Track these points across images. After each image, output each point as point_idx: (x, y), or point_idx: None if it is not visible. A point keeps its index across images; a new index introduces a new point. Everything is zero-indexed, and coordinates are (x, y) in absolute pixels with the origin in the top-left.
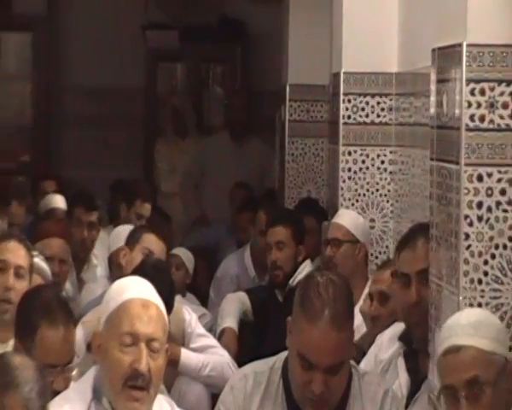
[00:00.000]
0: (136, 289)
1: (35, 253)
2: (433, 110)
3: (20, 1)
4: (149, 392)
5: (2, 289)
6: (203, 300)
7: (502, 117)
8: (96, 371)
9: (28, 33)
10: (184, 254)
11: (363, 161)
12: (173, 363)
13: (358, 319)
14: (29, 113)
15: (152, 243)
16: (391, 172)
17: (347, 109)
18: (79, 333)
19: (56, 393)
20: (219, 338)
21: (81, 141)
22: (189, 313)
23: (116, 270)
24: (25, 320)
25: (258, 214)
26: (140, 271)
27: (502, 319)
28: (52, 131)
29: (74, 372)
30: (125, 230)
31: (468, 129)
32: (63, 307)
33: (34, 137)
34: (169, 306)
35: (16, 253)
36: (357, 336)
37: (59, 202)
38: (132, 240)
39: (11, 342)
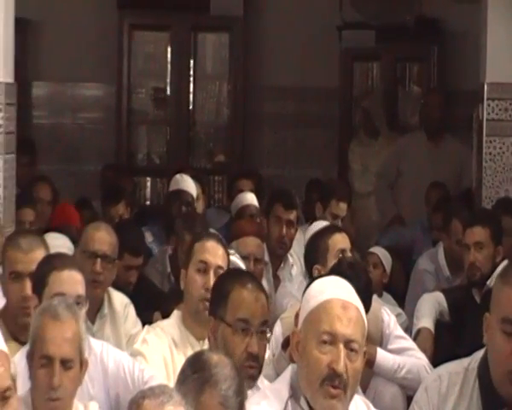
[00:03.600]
0: (337, 290)
1: (231, 251)
2: None
3: (217, 2)
4: (346, 393)
5: (203, 289)
6: (399, 300)
7: None
8: (293, 370)
9: (225, 34)
10: (382, 253)
11: None
12: (369, 363)
13: None
14: (225, 113)
15: (343, 241)
16: None
17: None
18: (277, 330)
19: None
20: (415, 338)
21: (277, 141)
22: (388, 314)
23: None
24: None
25: (454, 223)
26: (336, 270)
27: None
28: (248, 131)
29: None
30: (320, 225)
31: None
32: None
33: (230, 136)
34: (366, 305)
35: (216, 253)
36: None
37: (250, 199)
38: (320, 253)
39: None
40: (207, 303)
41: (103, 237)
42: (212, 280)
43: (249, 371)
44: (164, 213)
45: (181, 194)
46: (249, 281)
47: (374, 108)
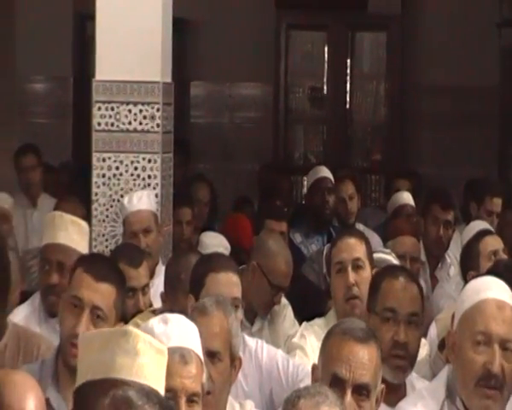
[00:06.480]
0: (492, 290)
1: (387, 251)
2: None
3: (374, 1)
4: (502, 393)
5: (346, 288)
6: None
7: None
8: (449, 370)
9: (382, 33)
10: None
11: None
12: None
13: None
14: (383, 112)
15: (494, 243)
16: None
17: None
18: (433, 331)
19: None
20: None
21: (435, 140)
22: None
23: None
24: None
25: None
26: (493, 272)
27: None
28: (406, 130)
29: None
30: (476, 225)
31: None
32: None
33: (388, 135)
34: None
35: (354, 248)
36: None
37: (407, 198)
38: (472, 258)
39: None
40: (354, 301)
41: (290, 272)
42: (350, 276)
43: (396, 361)
44: (309, 210)
45: (320, 181)
46: (400, 273)
47: None
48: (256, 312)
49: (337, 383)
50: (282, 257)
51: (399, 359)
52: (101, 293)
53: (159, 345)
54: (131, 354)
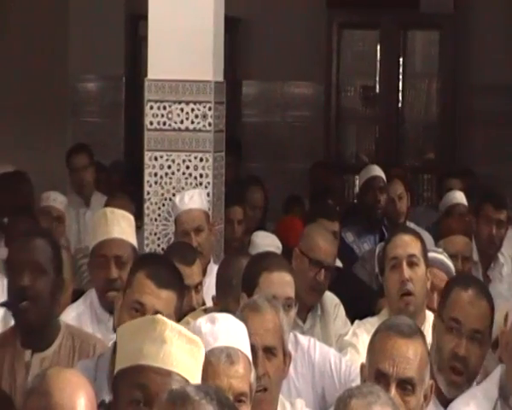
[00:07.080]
0: None
1: (439, 250)
2: None
3: (427, 0)
4: None
5: (400, 284)
6: None
7: None
8: (502, 370)
9: (435, 31)
10: None
11: None
12: None
13: None
14: (435, 111)
15: None
16: None
17: None
18: None
19: None
20: None
21: (488, 138)
22: None
23: None
24: None
25: None
26: None
27: None
28: (458, 129)
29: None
30: None
31: None
32: None
33: (440, 134)
34: None
35: (410, 245)
36: None
37: (459, 198)
38: None
39: None
40: (408, 297)
41: (330, 249)
42: (405, 272)
43: (452, 376)
44: (361, 209)
45: (372, 180)
46: (472, 285)
47: None
48: (308, 307)
49: (381, 379)
50: (321, 235)
51: (456, 373)
52: (163, 300)
53: (190, 335)
54: (158, 341)
